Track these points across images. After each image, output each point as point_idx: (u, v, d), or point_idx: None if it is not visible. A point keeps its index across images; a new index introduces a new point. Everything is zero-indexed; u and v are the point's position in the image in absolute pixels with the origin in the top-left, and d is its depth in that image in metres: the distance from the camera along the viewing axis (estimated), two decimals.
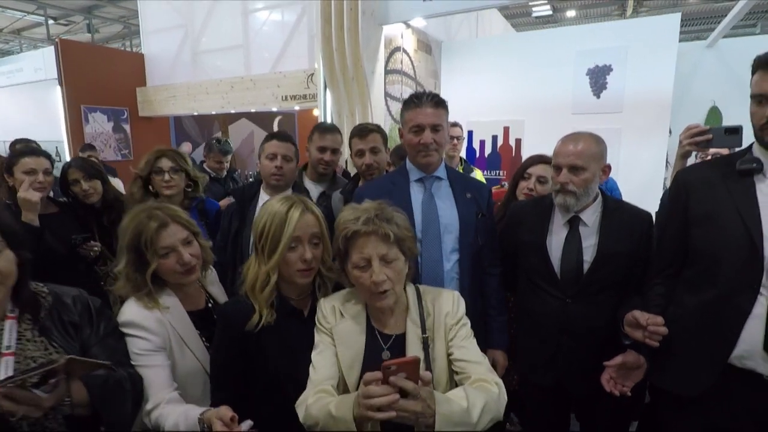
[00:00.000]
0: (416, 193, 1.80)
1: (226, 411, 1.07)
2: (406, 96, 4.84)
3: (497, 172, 5.29)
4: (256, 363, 1.29)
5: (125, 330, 1.29)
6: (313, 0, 4.03)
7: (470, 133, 5.34)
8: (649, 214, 1.71)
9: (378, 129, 2.19)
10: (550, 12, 10.19)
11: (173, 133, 6.46)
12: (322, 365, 1.21)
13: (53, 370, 0.95)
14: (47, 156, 2.31)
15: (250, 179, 5.72)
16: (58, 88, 5.30)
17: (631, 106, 4.52)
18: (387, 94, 4.37)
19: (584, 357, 1.66)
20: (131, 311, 1.33)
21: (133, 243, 1.34)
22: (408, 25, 4.54)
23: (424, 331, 1.24)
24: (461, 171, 3.27)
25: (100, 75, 5.52)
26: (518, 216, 1.89)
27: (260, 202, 2.08)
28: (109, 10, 14.07)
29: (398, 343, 1.25)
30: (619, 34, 4.50)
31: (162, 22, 5.69)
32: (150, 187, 2.25)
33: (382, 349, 1.24)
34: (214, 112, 5.56)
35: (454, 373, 1.24)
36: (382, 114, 3.88)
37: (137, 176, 2.26)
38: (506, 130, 5.21)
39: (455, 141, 3.24)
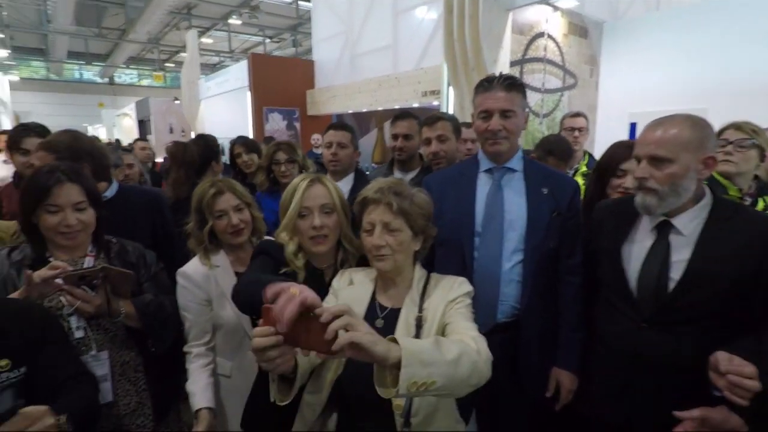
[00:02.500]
0: (483, 185, 1.66)
1: None
2: (549, 86, 4.46)
3: None
4: None
5: (179, 279, 1.57)
6: None
7: (633, 126, 4.56)
8: None
9: (448, 117, 2.09)
10: None
11: None
12: None
13: (93, 272, 1.30)
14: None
15: None
16: (248, 93, 6.51)
17: None
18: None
19: (659, 397, 1.30)
20: (189, 265, 1.60)
21: (197, 206, 1.61)
22: (556, 8, 4.12)
23: (420, 310, 1.22)
24: (584, 167, 2.84)
25: (279, 81, 6.54)
26: (599, 217, 1.57)
27: None
28: (308, 26, 16.59)
29: (393, 316, 1.24)
30: None
31: (328, 31, 6.41)
32: (271, 175, 2.60)
33: (377, 317, 1.26)
34: (364, 110, 6.02)
35: None
36: None
37: (260, 167, 2.65)
38: None
39: (576, 133, 2.83)
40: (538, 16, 3.92)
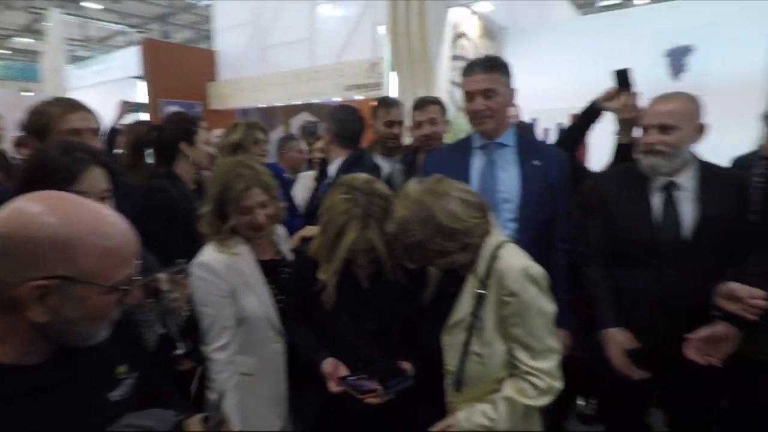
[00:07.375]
0: (477, 161, 1.73)
1: None
2: None
3: None
4: None
5: (197, 270, 1.35)
6: None
7: (534, 122, 5.14)
8: (745, 177, 1.58)
9: (437, 101, 2.19)
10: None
11: None
12: None
13: None
14: None
15: None
16: (140, 83, 5.74)
17: (716, 89, 4.14)
18: (452, 82, 4.29)
19: (677, 331, 1.48)
20: (207, 254, 1.39)
21: (219, 196, 1.40)
22: (473, 11, 4.45)
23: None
24: None
25: (177, 71, 5.90)
26: (606, 185, 1.74)
27: None
28: (181, 17, 15.10)
29: None
30: (705, 10, 4.14)
31: (233, 20, 6.00)
32: None
33: None
34: (278, 104, 5.75)
35: None
36: (446, 100, 3.82)
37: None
38: (574, 118, 4.96)
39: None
40: (461, 17, 4.19)
